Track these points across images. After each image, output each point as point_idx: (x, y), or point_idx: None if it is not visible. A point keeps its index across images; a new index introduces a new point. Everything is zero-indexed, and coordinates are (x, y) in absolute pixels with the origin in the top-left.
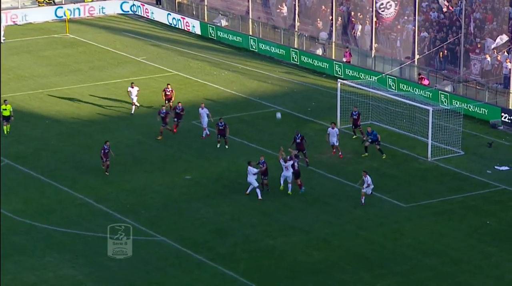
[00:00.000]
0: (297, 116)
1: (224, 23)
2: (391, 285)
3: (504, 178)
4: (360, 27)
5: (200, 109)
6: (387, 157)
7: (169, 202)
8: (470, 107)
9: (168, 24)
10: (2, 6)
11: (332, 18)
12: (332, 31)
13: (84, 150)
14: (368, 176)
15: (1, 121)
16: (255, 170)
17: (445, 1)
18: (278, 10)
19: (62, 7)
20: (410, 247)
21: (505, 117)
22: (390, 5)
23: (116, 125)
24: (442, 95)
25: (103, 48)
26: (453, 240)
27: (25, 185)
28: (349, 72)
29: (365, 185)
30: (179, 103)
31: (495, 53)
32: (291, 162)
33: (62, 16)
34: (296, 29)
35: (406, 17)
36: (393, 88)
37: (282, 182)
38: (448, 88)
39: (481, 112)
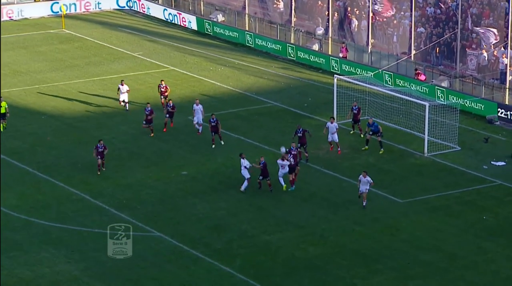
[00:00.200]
0: (293, 111)
1: (220, 18)
2: (387, 280)
3: (500, 173)
4: (356, 22)
5: (194, 105)
6: (383, 152)
7: (165, 197)
8: (466, 103)
9: (164, 19)
10: None
11: (328, 14)
12: (328, 26)
13: (80, 145)
14: (368, 176)
15: None
16: (247, 163)
17: None
18: (274, 5)
19: (58, 3)
20: (406, 242)
21: (501, 113)
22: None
23: (112, 121)
24: (438, 90)
25: (99, 43)
26: (449, 236)
27: (20, 181)
28: (346, 67)
29: (363, 186)
30: (170, 101)
31: (492, 48)
32: (287, 162)
33: (58, 12)
34: (293, 25)
35: (402, 13)
36: (390, 83)
37: (283, 182)
38: (445, 84)
39: (478, 107)
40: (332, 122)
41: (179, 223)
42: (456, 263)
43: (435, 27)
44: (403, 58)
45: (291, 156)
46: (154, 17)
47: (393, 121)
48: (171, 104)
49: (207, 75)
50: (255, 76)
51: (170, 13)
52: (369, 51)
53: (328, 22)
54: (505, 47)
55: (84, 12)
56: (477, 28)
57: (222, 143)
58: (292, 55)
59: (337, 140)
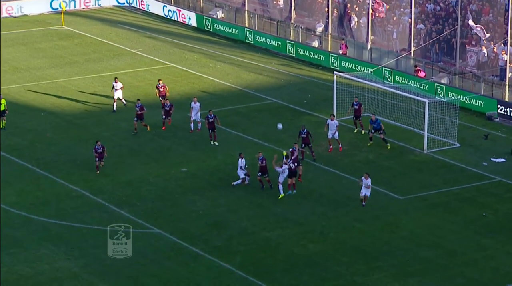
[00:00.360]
0: (293, 108)
1: (220, 15)
2: (387, 277)
3: (500, 170)
4: (356, 19)
5: (192, 103)
6: (383, 149)
7: (165, 194)
8: (466, 99)
9: (164, 16)
10: None
11: (328, 10)
12: (328, 23)
13: (79, 142)
14: (369, 178)
15: None
16: (244, 164)
17: None
18: (274, 2)
19: None
20: (406, 239)
21: (501, 109)
22: None
23: (112, 117)
24: (438, 87)
25: (98, 40)
26: (449, 232)
27: (20, 177)
28: (345, 64)
29: (364, 190)
30: (167, 101)
31: (492, 45)
32: (286, 166)
33: (57, 8)
34: (292, 21)
35: (402, 9)
36: (389, 80)
37: (281, 191)
38: (444, 80)
39: (477, 104)
40: (332, 120)
41: (179, 220)
42: (455, 259)
43: (434, 24)
44: (403, 55)
45: (290, 160)
46: (153, 13)
47: (392, 118)
48: (169, 104)
49: (206, 72)
50: (254, 73)
51: (169, 10)
52: (369, 48)
53: (328, 19)
54: (505, 44)
55: (83, 8)
56: (471, 23)
57: (216, 144)
58: (292, 52)
59: (338, 138)
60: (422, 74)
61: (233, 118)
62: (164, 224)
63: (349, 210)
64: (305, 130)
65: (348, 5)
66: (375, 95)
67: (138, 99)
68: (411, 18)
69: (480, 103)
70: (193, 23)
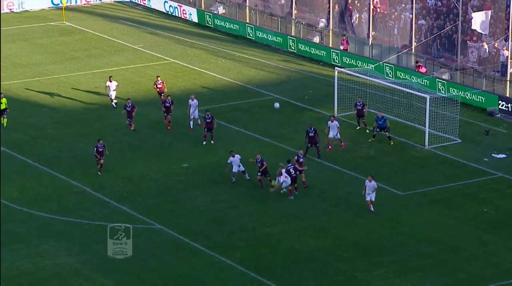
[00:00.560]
0: (294, 104)
1: (221, 10)
2: (388, 273)
3: (501, 165)
4: (357, 14)
5: (190, 100)
6: (384, 145)
7: (166, 190)
8: (467, 95)
9: (165, 11)
10: None
11: (329, 6)
12: (329, 19)
13: (81, 138)
14: (374, 181)
15: None
16: (239, 159)
17: None
18: None
19: None
20: (407, 235)
21: (502, 105)
22: None
23: (113, 113)
24: (439, 83)
25: (99, 36)
26: (450, 228)
27: (21, 173)
28: (347, 60)
29: (368, 191)
30: (168, 97)
31: (493, 40)
32: (284, 176)
33: (58, 4)
34: (293, 17)
35: (403, 5)
36: (391, 76)
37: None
38: (446, 76)
39: (479, 100)
40: (332, 121)
41: (180, 216)
42: (456, 255)
43: (436, 20)
44: (404, 51)
45: (291, 165)
46: (154, 9)
47: (394, 114)
48: (170, 100)
49: (207, 67)
50: (255, 68)
51: (170, 6)
52: (370, 43)
53: (329, 14)
54: (506, 40)
55: (84, 4)
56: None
57: (212, 142)
58: (293, 48)
59: (340, 137)
60: (423, 70)
61: (234, 114)
62: (165, 219)
63: (350, 206)
64: (312, 129)
65: (349, 1)
66: (376, 91)
67: (129, 99)
68: (412, 14)
69: (481, 99)
70: (194, 18)
